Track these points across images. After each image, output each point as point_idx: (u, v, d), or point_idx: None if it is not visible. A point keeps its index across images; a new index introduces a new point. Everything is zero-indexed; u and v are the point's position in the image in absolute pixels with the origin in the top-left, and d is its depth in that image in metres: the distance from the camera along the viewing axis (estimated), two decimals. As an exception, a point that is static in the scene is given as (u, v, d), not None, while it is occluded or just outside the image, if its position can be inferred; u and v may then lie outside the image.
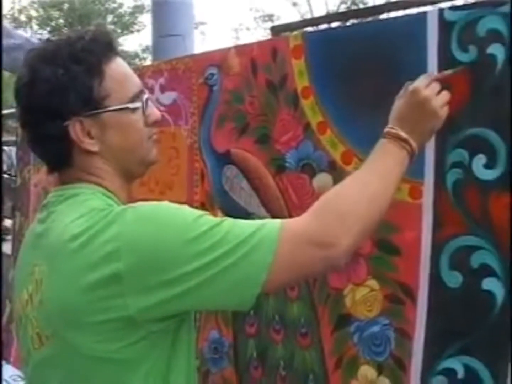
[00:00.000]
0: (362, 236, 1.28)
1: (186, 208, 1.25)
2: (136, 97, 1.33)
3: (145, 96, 1.36)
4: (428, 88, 1.46)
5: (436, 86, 1.48)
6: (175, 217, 1.21)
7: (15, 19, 26.84)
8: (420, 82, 1.47)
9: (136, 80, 1.37)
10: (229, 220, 1.22)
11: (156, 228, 1.18)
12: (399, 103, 1.46)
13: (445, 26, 1.62)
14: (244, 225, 1.21)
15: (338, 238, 1.20)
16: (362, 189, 1.29)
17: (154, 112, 1.38)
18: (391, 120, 1.43)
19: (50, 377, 1.28)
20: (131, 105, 1.32)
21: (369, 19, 2.86)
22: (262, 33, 26.44)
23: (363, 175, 1.33)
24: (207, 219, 1.21)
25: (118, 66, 1.33)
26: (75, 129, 1.28)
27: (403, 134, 1.37)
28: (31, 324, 1.30)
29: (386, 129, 1.39)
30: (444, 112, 1.47)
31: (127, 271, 1.14)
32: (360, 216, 1.25)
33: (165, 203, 1.25)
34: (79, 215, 1.23)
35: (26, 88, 1.30)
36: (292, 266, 1.20)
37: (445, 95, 1.48)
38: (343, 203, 1.25)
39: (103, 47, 1.32)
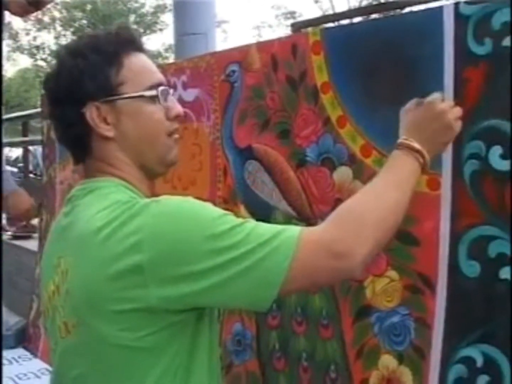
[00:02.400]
0: (378, 246, 1.29)
1: (210, 205, 1.27)
2: (153, 88, 1.36)
3: (164, 89, 1.38)
4: (444, 102, 1.48)
5: (450, 101, 1.51)
6: (198, 213, 1.23)
7: (39, 21, 27.04)
8: (434, 97, 1.49)
9: (157, 75, 1.40)
10: (251, 222, 1.25)
11: (178, 223, 1.20)
12: (412, 115, 1.47)
13: (461, 19, 1.65)
14: (265, 228, 1.23)
15: (354, 249, 1.22)
16: (378, 199, 1.31)
17: (176, 107, 1.40)
18: (404, 131, 1.44)
19: (76, 364, 1.31)
20: (146, 93, 1.35)
21: (391, 13, 2.88)
22: (284, 31, 26.40)
23: (378, 185, 1.35)
24: (230, 218, 1.23)
25: (138, 60, 1.37)
26: (92, 114, 1.32)
27: (416, 145, 1.38)
28: (58, 313, 1.33)
29: (400, 140, 1.41)
30: (457, 126, 1.48)
31: (149, 263, 1.17)
32: (376, 227, 1.26)
33: (190, 198, 1.27)
34: (103, 207, 1.26)
35: (51, 80, 1.37)
36: (307, 273, 1.22)
37: (459, 110, 1.49)
38: (360, 213, 1.27)
39: (124, 41, 1.37)
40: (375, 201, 1.30)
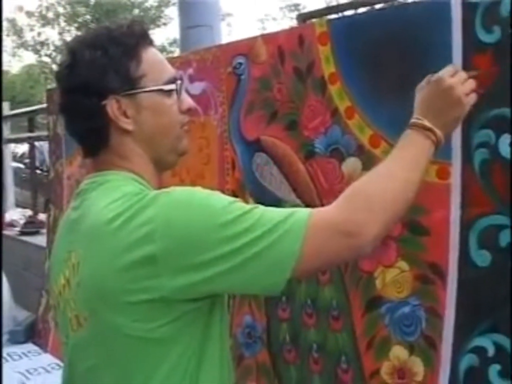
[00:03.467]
0: (389, 224, 1.30)
1: (219, 194, 1.28)
2: (170, 82, 1.37)
3: (179, 81, 1.40)
4: (453, 77, 1.44)
5: (462, 74, 1.46)
6: (208, 201, 1.24)
7: (43, 17, 27.04)
8: (445, 71, 1.46)
9: (171, 68, 1.41)
10: (260, 207, 1.25)
11: (189, 212, 1.21)
12: (423, 93, 1.46)
13: (468, 8, 1.64)
14: (275, 213, 1.24)
15: (365, 227, 1.22)
16: (389, 178, 1.31)
17: (188, 100, 1.41)
18: (416, 110, 1.43)
19: (88, 357, 1.31)
20: (165, 87, 1.35)
21: (395, 3, 2.86)
22: (288, 23, 26.28)
23: (389, 165, 1.35)
24: (239, 205, 1.24)
25: (154, 53, 1.38)
26: (112, 107, 1.32)
27: (427, 123, 1.37)
28: (69, 307, 1.33)
29: (411, 120, 1.40)
30: (469, 99, 1.44)
31: (162, 253, 1.18)
32: (387, 205, 1.27)
33: (199, 188, 1.28)
34: (114, 199, 1.27)
35: (66, 70, 1.35)
36: (320, 254, 1.23)
37: (471, 83, 1.45)
38: (371, 192, 1.28)
39: (139, 35, 1.37)
40: (386, 180, 1.30)
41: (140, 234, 1.19)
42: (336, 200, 1.27)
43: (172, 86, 1.37)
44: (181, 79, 1.42)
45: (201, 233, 1.19)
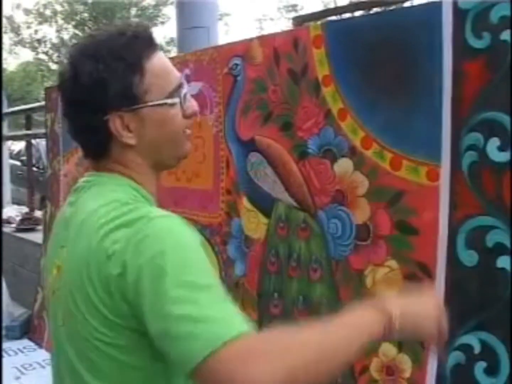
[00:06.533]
0: None
1: (196, 246, 1.21)
2: (175, 92, 1.33)
3: (184, 90, 1.36)
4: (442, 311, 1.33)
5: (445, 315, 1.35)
6: (182, 248, 1.18)
7: (40, 14, 27.02)
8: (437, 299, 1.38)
9: (175, 73, 1.37)
10: (218, 291, 1.14)
11: (160, 250, 1.16)
12: (406, 298, 1.29)
13: (459, 14, 1.68)
14: (220, 304, 1.12)
15: None
16: (329, 359, 1.13)
17: (192, 105, 1.38)
18: (389, 298, 1.26)
19: (68, 353, 1.32)
20: (169, 101, 1.32)
21: (391, 7, 2.90)
22: (285, 23, 26.30)
23: (337, 342, 1.15)
24: (210, 278, 1.16)
25: (158, 61, 1.34)
26: (115, 123, 1.30)
27: (394, 312, 1.19)
28: (58, 301, 1.36)
29: (377, 302, 1.22)
30: (434, 334, 1.31)
31: (129, 272, 1.16)
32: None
33: (180, 226, 1.22)
34: (99, 205, 1.27)
35: (68, 82, 1.33)
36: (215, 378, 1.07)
37: (446, 327, 1.33)
38: (304, 362, 1.08)
39: (144, 43, 1.33)
40: (324, 359, 1.13)
41: (113, 250, 1.19)
42: (265, 339, 1.13)
43: (176, 100, 1.33)
44: (187, 80, 1.37)
45: (162, 278, 1.13)
